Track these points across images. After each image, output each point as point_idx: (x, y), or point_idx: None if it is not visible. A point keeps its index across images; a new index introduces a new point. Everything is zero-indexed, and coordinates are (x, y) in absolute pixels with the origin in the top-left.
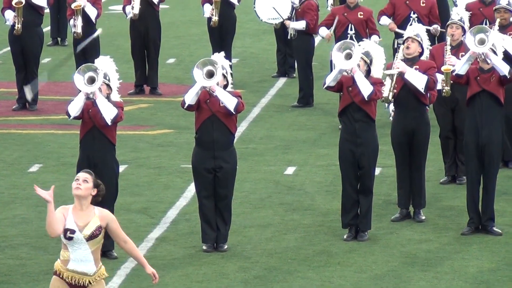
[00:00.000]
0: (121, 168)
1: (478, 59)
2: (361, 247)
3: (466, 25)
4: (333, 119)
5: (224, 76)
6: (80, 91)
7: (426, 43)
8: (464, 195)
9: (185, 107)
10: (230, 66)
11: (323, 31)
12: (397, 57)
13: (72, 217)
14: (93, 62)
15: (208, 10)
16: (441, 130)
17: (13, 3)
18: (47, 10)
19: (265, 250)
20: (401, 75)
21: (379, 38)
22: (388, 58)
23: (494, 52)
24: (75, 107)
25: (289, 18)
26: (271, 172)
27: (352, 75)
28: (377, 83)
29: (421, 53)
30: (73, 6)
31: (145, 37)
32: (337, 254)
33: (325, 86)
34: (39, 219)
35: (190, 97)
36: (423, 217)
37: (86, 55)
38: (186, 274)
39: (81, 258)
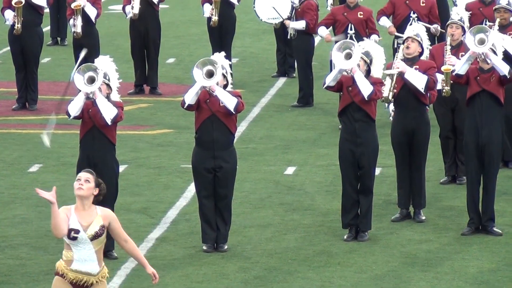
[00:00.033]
0: (121, 168)
1: (478, 59)
2: (361, 247)
3: (466, 25)
4: (333, 119)
5: (224, 76)
6: (80, 91)
7: (426, 43)
8: (464, 195)
9: (185, 107)
10: (230, 66)
11: (322, 31)
12: (397, 57)
13: (76, 217)
14: (93, 62)
15: (208, 9)
16: (441, 130)
17: (13, 2)
18: (46, 10)
19: (265, 250)
20: (401, 75)
21: (379, 37)
22: (388, 58)
23: (494, 52)
24: (75, 107)
25: (289, 18)
26: (271, 172)
27: (352, 75)
28: (377, 83)
29: (421, 53)
30: (72, 5)
31: (145, 37)
32: (337, 254)
33: (325, 86)
34: (39, 219)
35: (190, 97)
36: (423, 217)
37: (86, 55)
38: (186, 274)
39: (85, 258)
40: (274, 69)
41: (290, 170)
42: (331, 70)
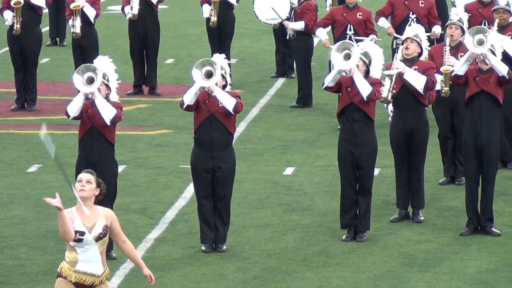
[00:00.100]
0: (120, 168)
1: (477, 60)
2: (360, 248)
3: (465, 25)
4: (332, 120)
5: (223, 77)
6: (79, 91)
7: (425, 43)
8: (463, 195)
9: (184, 107)
10: (229, 66)
11: (320, 32)
12: (396, 58)
13: (79, 219)
14: (92, 62)
15: (207, 10)
16: (440, 130)
17: (11, 3)
18: (45, 10)
19: (264, 251)
20: (400, 75)
21: (377, 38)
22: (387, 58)
23: (493, 53)
24: (74, 107)
25: (288, 19)
26: (270, 172)
27: (351, 76)
28: (376, 84)
29: (420, 54)
30: (72, 6)
31: (144, 38)
32: (336, 255)
33: (324, 86)
34: (38, 219)
35: (189, 97)
36: (422, 218)
37: (85, 55)
38: (185, 274)
39: (90, 259)
40: (273, 69)
41: (289, 171)
42: (330, 71)
